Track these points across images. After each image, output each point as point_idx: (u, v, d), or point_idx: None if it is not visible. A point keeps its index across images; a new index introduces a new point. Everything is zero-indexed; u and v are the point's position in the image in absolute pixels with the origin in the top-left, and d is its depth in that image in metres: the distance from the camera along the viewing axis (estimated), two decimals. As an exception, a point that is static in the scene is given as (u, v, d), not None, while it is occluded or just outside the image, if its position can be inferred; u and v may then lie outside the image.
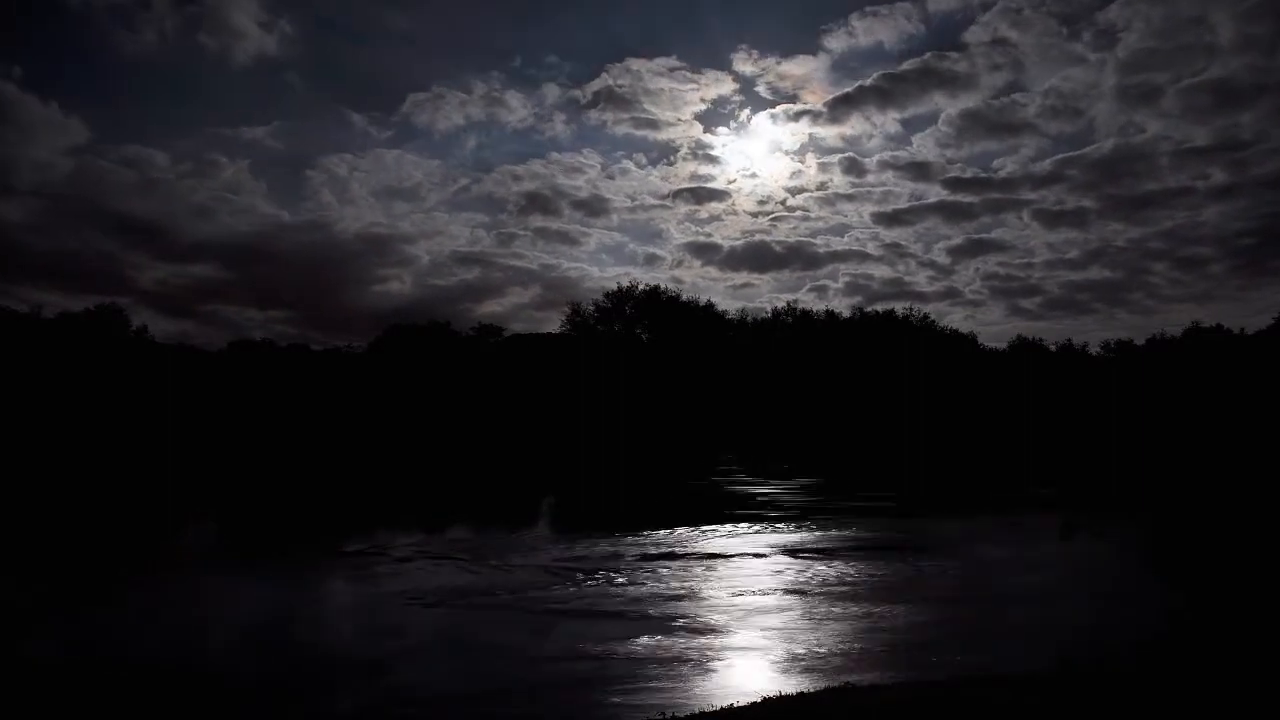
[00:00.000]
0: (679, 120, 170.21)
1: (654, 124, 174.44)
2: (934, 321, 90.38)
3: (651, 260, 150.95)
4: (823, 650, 12.67)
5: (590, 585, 17.48)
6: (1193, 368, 74.10)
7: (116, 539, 23.60)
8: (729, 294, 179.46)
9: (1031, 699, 9.30)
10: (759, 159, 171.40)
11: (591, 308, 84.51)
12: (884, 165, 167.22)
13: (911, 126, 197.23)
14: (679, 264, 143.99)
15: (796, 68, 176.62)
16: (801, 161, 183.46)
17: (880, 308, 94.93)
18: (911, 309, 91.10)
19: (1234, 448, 51.52)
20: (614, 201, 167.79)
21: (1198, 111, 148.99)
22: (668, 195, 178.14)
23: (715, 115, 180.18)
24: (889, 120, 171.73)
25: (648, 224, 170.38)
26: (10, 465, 39.94)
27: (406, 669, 12.10)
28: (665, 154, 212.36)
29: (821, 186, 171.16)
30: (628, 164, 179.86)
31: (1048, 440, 61.36)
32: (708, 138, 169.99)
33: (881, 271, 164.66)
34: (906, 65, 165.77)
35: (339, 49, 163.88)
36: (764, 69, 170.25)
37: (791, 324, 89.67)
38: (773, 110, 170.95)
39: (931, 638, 13.49)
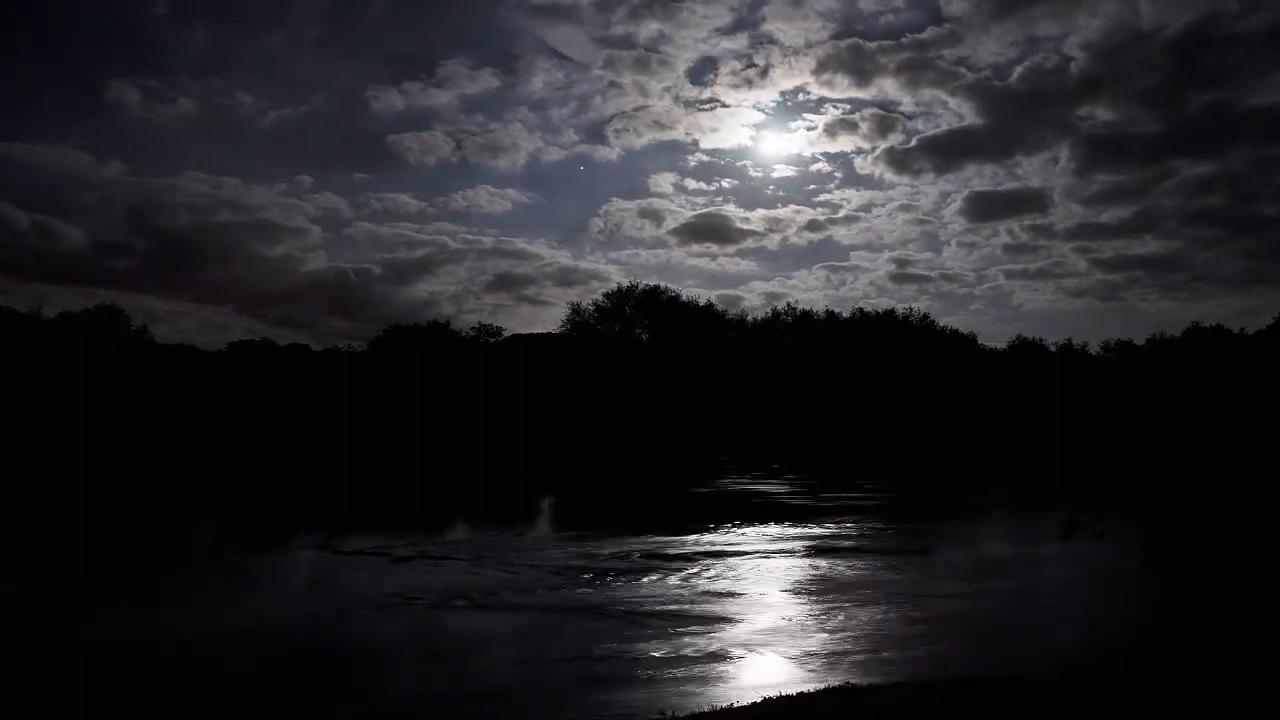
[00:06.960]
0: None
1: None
2: (933, 321, 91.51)
3: (598, 242, 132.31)
4: (824, 650, 12.70)
5: (593, 585, 17.50)
6: (1193, 368, 74.24)
7: (115, 537, 23.58)
8: (693, 274, 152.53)
9: (1032, 699, 9.32)
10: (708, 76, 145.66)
11: (591, 308, 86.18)
12: (874, 69, 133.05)
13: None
14: (615, 231, 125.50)
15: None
16: (758, 62, 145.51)
17: (879, 307, 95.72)
18: (911, 309, 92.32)
19: (1234, 447, 51.57)
20: (523, 145, 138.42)
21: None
22: (591, 130, 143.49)
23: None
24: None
25: (572, 177, 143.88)
26: (9, 465, 39.97)
27: (406, 670, 12.11)
28: (577, 61, 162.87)
29: (790, 112, 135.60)
30: (536, 81, 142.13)
31: (1048, 440, 61.38)
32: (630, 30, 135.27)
33: (880, 252, 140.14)
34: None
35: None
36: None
37: (791, 324, 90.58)
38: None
39: (933, 637, 13.53)
